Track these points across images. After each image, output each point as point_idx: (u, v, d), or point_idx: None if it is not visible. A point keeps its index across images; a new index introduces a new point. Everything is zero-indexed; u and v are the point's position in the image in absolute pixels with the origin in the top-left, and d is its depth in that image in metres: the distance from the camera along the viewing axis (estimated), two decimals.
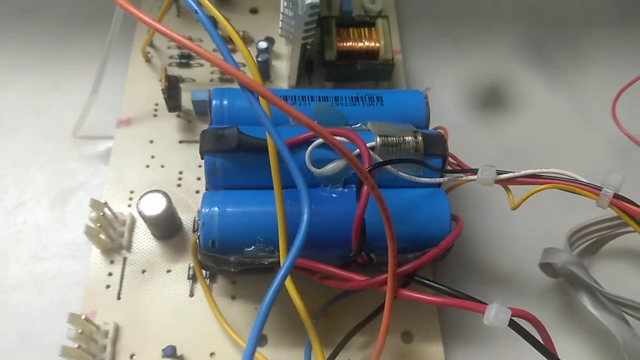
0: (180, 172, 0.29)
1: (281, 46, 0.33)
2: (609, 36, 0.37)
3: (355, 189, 0.23)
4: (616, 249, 0.29)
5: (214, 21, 0.19)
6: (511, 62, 0.36)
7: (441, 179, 0.23)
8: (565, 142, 0.33)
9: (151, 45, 0.33)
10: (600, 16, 0.38)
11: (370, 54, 0.31)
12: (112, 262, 0.26)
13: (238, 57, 0.20)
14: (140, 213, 0.25)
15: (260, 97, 0.18)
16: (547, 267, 0.27)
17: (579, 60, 0.36)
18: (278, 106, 0.17)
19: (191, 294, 0.26)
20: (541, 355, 0.19)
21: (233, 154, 0.23)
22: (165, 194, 0.25)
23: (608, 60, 0.36)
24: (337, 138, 0.18)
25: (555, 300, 0.28)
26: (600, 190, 0.21)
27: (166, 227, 0.26)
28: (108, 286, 0.26)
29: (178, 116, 0.30)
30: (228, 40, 0.21)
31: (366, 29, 0.31)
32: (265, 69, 0.32)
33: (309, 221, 0.17)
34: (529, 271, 0.27)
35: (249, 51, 0.19)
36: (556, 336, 0.20)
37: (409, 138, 0.24)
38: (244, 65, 0.29)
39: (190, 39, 0.18)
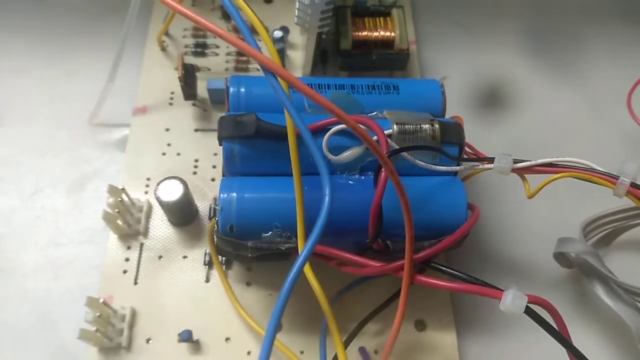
0: (196, 160, 0.29)
1: (296, 36, 0.33)
2: (621, 27, 0.37)
3: (372, 176, 0.23)
4: (631, 240, 0.29)
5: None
6: (523, 55, 0.35)
7: (458, 167, 0.24)
8: (578, 134, 0.33)
9: (167, 34, 0.33)
10: (611, 8, 0.38)
11: (386, 44, 0.31)
12: (129, 247, 0.27)
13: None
14: (157, 199, 0.25)
15: (281, 81, 0.18)
16: (561, 257, 0.27)
17: (592, 51, 0.36)
18: (300, 89, 0.17)
19: (207, 280, 0.26)
20: (554, 343, 0.19)
21: (251, 140, 0.23)
22: (182, 181, 0.25)
23: (621, 52, 0.36)
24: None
25: (569, 290, 0.28)
26: (617, 179, 0.21)
27: (183, 214, 0.27)
28: (125, 271, 0.26)
29: (194, 105, 0.31)
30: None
31: (381, 19, 0.31)
32: (280, 58, 0.32)
33: (330, 203, 0.18)
34: (543, 261, 0.28)
35: (269, 35, 0.20)
36: (570, 326, 0.20)
37: (426, 126, 0.24)
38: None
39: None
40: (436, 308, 0.26)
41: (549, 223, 0.29)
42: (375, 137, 0.22)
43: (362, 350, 0.25)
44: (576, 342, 0.20)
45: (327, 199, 0.18)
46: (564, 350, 0.20)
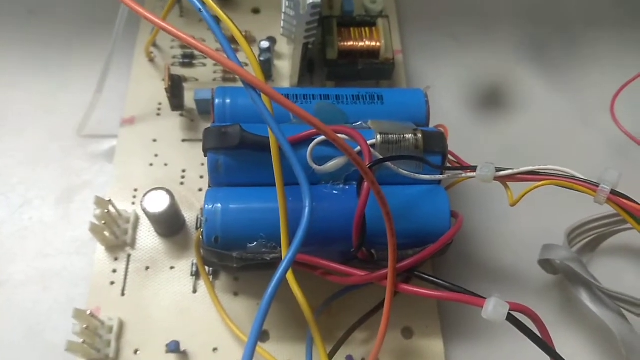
0: (184, 171, 0.29)
1: (283, 46, 0.34)
2: (607, 35, 0.37)
3: (356, 186, 0.23)
4: (615, 246, 0.29)
5: (217, 21, 0.20)
6: (510, 62, 0.36)
7: (441, 176, 0.24)
8: (564, 141, 0.33)
9: (154, 45, 0.33)
10: (599, 15, 0.38)
11: (371, 53, 0.31)
12: (116, 259, 0.27)
13: (241, 57, 0.21)
14: (144, 210, 0.25)
15: (262, 95, 0.18)
16: (546, 264, 0.27)
17: (577, 59, 0.36)
18: (280, 103, 0.17)
19: (194, 291, 0.26)
20: (539, 350, 0.20)
21: (235, 151, 0.23)
22: (168, 192, 0.26)
23: (607, 59, 0.36)
24: (338, 135, 0.18)
25: (554, 297, 0.28)
26: (598, 186, 0.21)
27: (169, 225, 0.27)
28: (112, 282, 0.26)
29: (181, 115, 0.31)
30: (231, 40, 0.21)
31: (367, 29, 0.31)
32: (267, 69, 0.32)
33: (310, 214, 0.18)
34: (528, 268, 0.28)
35: (251, 49, 0.20)
36: (555, 332, 0.20)
37: (409, 136, 0.24)
38: (247, 64, 0.29)
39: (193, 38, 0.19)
40: (423, 315, 0.26)
41: (533, 230, 0.29)
42: (358, 148, 0.22)
43: (349, 359, 0.25)
44: (561, 348, 0.20)
45: (306, 210, 0.18)
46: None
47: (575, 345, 0.27)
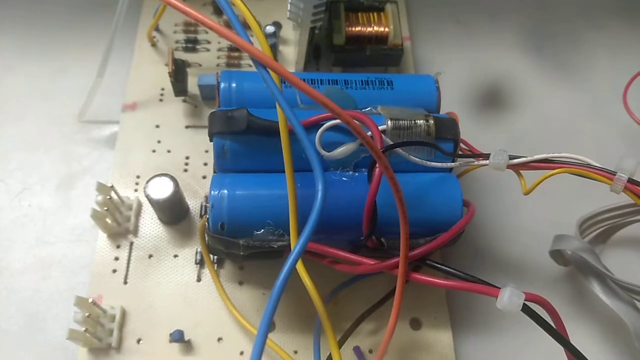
0: (187, 157, 0.29)
1: (288, 31, 0.33)
2: (617, 25, 0.37)
3: (366, 173, 0.22)
4: (627, 237, 0.28)
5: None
6: (519, 51, 0.35)
7: (453, 163, 0.23)
8: (575, 131, 0.32)
9: (157, 29, 0.32)
10: (608, 5, 0.38)
11: (379, 39, 0.30)
12: (118, 246, 0.26)
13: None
14: (147, 197, 0.25)
15: (272, 74, 0.18)
16: (557, 255, 0.26)
17: (587, 48, 0.36)
18: (291, 81, 0.17)
19: (198, 279, 0.26)
20: (550, 340, 0.19)
21: (242, 136, 0.23)
22: (172, 178, 0.25)
23: (617, 49, 0.36)
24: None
25: (565, 288, 0.27)
26: (614, 174, 0.21)
27: (173, 212, 0.26)
28: (114, 270, 0.25)
29: (184, 101, 0.30)
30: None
31: (375, 14, 0.31)
32: (272, 54, 0.31)
33: (323, 199, 0.17)
34: (539, 258, 0.27)
35: (260, 27, 0.19)
36: (567, 323, 0.20)
37: (420, 121, 0.23)
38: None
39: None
40: (431, 306, 0.26)
41: (545, 220, 0.29)
42: (369, 133, 0.22)
43: (356, 350, 0.24)
44: (573, 340, 0.19)
45: (319, 194, 0.17)
46: (559, 347, 0.19)
47: (587, 337, 0.26)
